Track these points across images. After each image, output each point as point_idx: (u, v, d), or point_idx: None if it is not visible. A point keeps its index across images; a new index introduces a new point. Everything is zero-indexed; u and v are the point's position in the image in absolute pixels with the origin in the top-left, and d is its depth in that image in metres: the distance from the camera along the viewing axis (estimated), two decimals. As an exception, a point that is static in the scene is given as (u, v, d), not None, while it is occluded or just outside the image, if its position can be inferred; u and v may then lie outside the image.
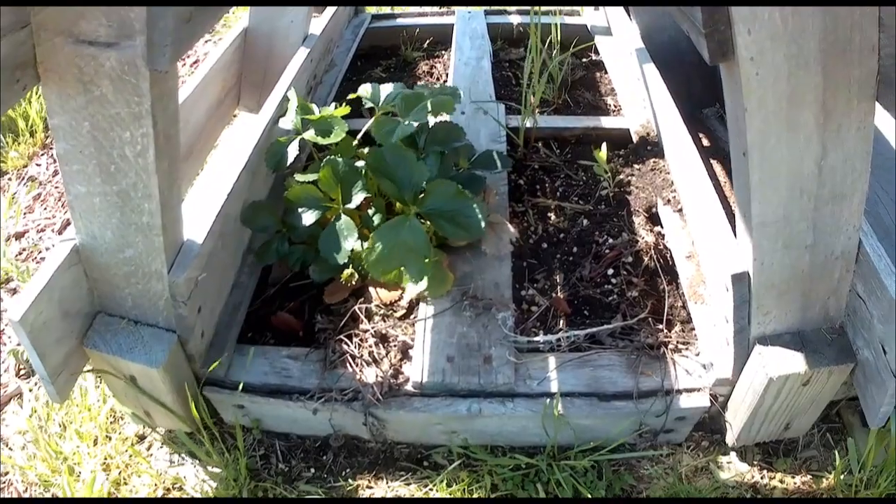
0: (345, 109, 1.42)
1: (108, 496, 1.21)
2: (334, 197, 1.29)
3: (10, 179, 2.14)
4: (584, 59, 2.01)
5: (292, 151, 1.35)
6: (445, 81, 2.04)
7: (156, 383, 1.13)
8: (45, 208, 2.04)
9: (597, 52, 2.15)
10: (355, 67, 2.18)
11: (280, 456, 1.26)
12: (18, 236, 1.95)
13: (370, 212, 1.34)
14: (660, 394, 1.18)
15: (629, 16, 2.01)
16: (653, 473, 1.22)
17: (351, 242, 1.26)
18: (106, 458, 1.26)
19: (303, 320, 1.36)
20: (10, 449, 1.30)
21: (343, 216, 1.28)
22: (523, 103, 1.64)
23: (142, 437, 1.31)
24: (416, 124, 1.26)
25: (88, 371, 1.15)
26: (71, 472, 1.23)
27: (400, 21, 2.37)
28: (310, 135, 1.34)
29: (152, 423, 1.25)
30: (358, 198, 1.27)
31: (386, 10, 2.50)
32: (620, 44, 2.07)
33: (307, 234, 1.34)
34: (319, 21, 1.93)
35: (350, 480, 1.21)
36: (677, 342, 1.25)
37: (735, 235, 1.07)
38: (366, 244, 1.26)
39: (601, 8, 2.27)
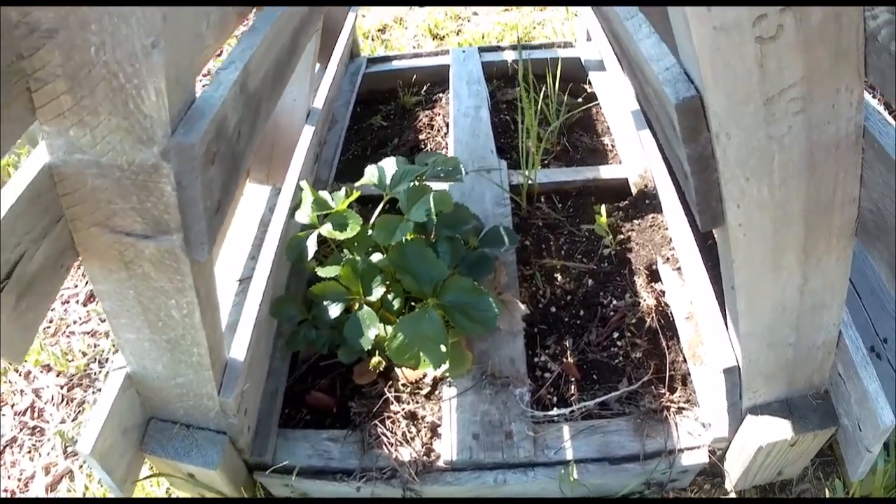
0: (356, 195, 1.51)
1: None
2: (355, 290, 1.39)
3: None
4: (580, 98, 2.07)
5: (311, 246, 1.44)
6: (446, 134, 2.10)
7: (213, 479, 1.26)
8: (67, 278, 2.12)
9: (590, 85, 2.20)
10: (355, 115, 2.24)
11: (326, 523, 1.39)
12: (44, 309, 2.03)
13: (390, 297, 1.45)
14: (664, 454, 1.30)
15: (622, 67, 2.05)
16: (661, 517, 1.36)
17: (374, 331, 1.36)
18: (167, 536, 1.40)
19: (335, 396, 1.48)
20: (74, 531, 1.44)
21: (365, 306, 1.39)
22: (522, 165, 1.72)
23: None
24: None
25: (150, 477, 1.27)
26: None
27: (396, 64, 2.41)
28: (327, 229, 1.43)
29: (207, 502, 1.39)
30: (378, 291, 1.38)
31: (381, 53, 2.52)
32: (614, 80, 2.12)
33: (333, 321, 1.45)
34: (322, 85, 1.98)
35: (392, 541, 1.35)
36: (679, 405, 1.37)
37: (722, 302, 1.16)
38: (388, 328, 1.37)
39: (593, 40, 2.30)
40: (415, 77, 2.36)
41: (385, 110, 2.28)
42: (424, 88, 2.36)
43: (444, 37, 2.92)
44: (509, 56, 2.33)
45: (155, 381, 1.16)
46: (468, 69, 2.24)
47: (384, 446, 1.34)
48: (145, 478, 1.29)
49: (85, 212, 0.87)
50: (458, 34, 2.93)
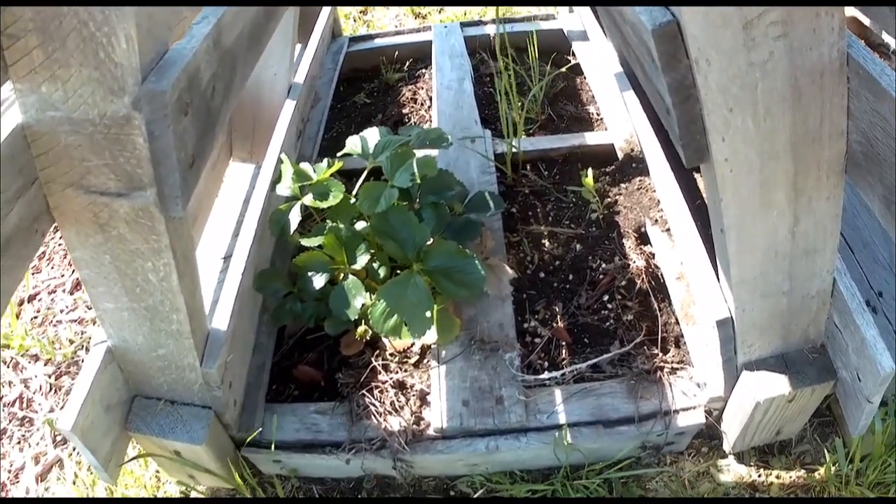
0: (338, 165, 1.48)
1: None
2: (339, 259, 1.37)
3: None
4: (563, 68, 2.04)
5: (294, 218, 1.41)
6: (430, 107, 2.08)
7: (200, 455, 1.23)
8: (52, 267, 2.07)
9: (574, 56, 2.18)
10: (338, 94, 2.21)
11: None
12: (31, 299, 1.99)
13: (375, 265, 1.42)
14: (659, 415, 1.28)
15: (604, 33, 2.03)
16: (658, 482, 1.35)
17: (360, 300, 1.34)
18: (157, 519, 1.37)
19: (322, 370, 1.46)
20: (64, 519, 1.41)
21: (350, 276, 1.36)
22: (505, 132, 1.69)
23: (187, 495, 1.42)
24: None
25: (137, 458, 1.24)
26: (127, 536, 1.34)
27: (378, 42, 2.38)
28: (309, 199, 1.40)
29: (196, 483, 1.36)
30: (362, 259, 1.35)
31: (363, 31, 2.49)
32: (598, 49, 2.10)
33: (318, 293, 1.42)
34: (303, 61, 1.94)
35: (385, 516, 1.33)
36: (672, 364, 1.35)
37: (714, 260, 1.14)
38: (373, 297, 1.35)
39: (575, 11, 2.28)
40: (397, 54, 2.33)
41: (368, 88, 2.25)
42: (407, 65, 2.33)
43: (426, 15, 2.90)
44: (491, 30, 2.30)
45: (136, 354, 1.13)
46: (450, 43, 2.21)
47: (373, 417, 1.32)
48: (131, 459, 1.26)
49: (59, 172, 0.86)
50: (440, 12, 2.90)
